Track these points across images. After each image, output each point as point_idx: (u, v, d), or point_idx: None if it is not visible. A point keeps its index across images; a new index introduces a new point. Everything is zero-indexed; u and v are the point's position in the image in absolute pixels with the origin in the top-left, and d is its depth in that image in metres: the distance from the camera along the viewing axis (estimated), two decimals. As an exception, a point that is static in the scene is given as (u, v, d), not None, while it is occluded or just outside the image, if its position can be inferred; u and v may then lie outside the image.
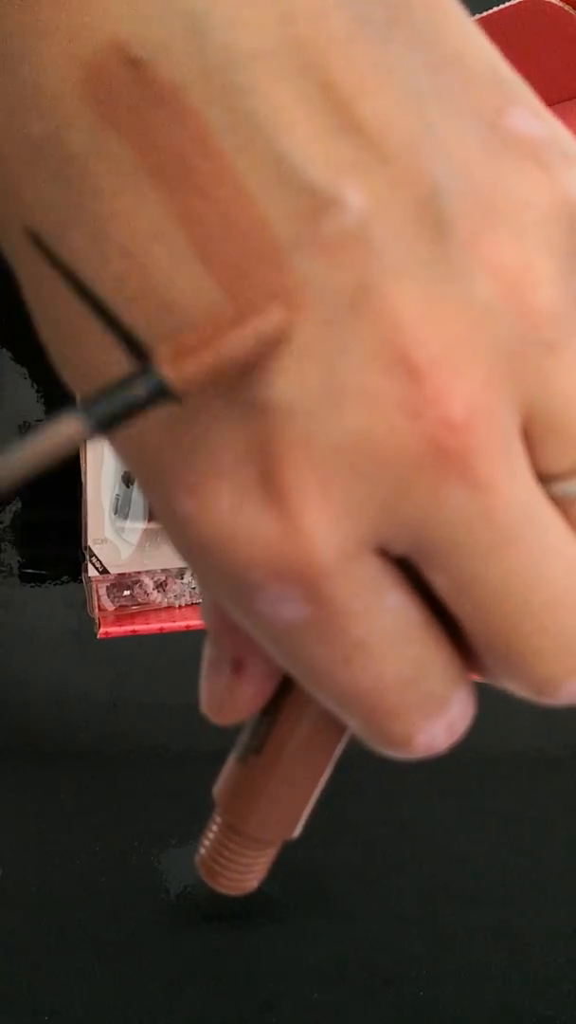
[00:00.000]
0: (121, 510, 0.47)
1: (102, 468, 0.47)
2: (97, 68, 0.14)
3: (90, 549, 0.47)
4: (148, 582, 0.49)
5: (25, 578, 0.49)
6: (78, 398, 0.16)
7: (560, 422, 0.15)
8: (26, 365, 0.48)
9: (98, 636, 0.48)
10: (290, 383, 0.14)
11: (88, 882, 0.49)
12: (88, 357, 0.15)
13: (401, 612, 0.16)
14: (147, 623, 0.49)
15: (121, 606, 0.49)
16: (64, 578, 0.50)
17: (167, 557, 0.49)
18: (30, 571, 0.49)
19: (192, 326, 0.14)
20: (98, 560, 0.47)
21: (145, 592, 0.49)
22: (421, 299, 0.14)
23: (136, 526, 0.47)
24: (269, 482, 0.15)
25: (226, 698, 0.20)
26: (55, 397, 0.48)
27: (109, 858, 0.49)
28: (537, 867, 0.53)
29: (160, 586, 0.49)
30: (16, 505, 0.49)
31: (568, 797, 0.55)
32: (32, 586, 0.50)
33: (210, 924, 0.49)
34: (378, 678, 0.16)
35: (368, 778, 0.55)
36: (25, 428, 0.48)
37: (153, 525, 0.48)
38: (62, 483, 0.48)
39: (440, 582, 0.16)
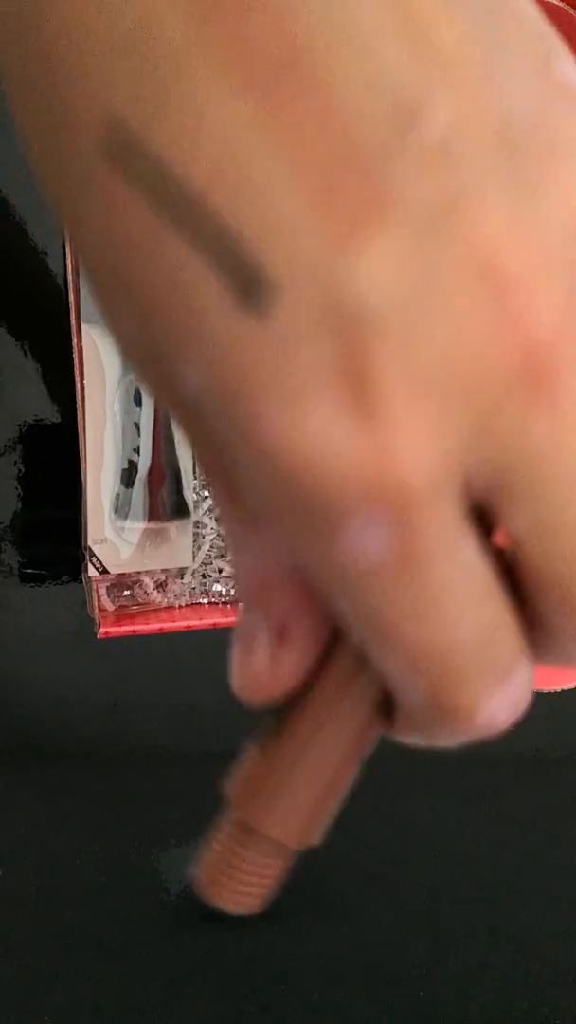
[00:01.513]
0: (121, 510, 0.47)
1: (102, 468, 0.47)
2: None
3: (90, 549, 0.47)
4: (148, 582, 0.49)
5: (25, 578, 0.49)
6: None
7: None
8: (29, 361, 0.48)
9: (98, 636, 0.48)
10: (385, 295, 0.14)
11: (87, 882, 0.49)
12: (169, 275, 0.15)
13: (478, 566, 0.16)
14: (147, 623, 0.48)
15: (121, 606, 0.49)
16: (64, 578, 0.50)
17: (167, 557, 0.49)
18: (30, 571, 0.49)
19: (285, 231, 0.14)
20: (98, 560, 0.47)
21: (145, 592, 0.49)
22: (507, 214, 0.14)
23: (136, 526, 0.47)
24: (361, 399, 0.14)
25: (265, 670, 0.19)
26: (55, 397, 0.48)
27: (108, 858, 0.49)
28: (537, 867, 0.53)
29: (160, 586, 0.49)
30: (16, 505, 0.49)
31: (568, 797, 0.55)
32: (32, 586, 0.50)
33: (209, 924, 0.49)
34: (451, 636, 0.16)
35: (368, 778, 0.54)
36: (25, 428, 0.48)
37: (153, 525, 0.48)
38: (62, 483, 0.48)
39: (516, 524, 0.16)
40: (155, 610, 0.49)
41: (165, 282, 0.15)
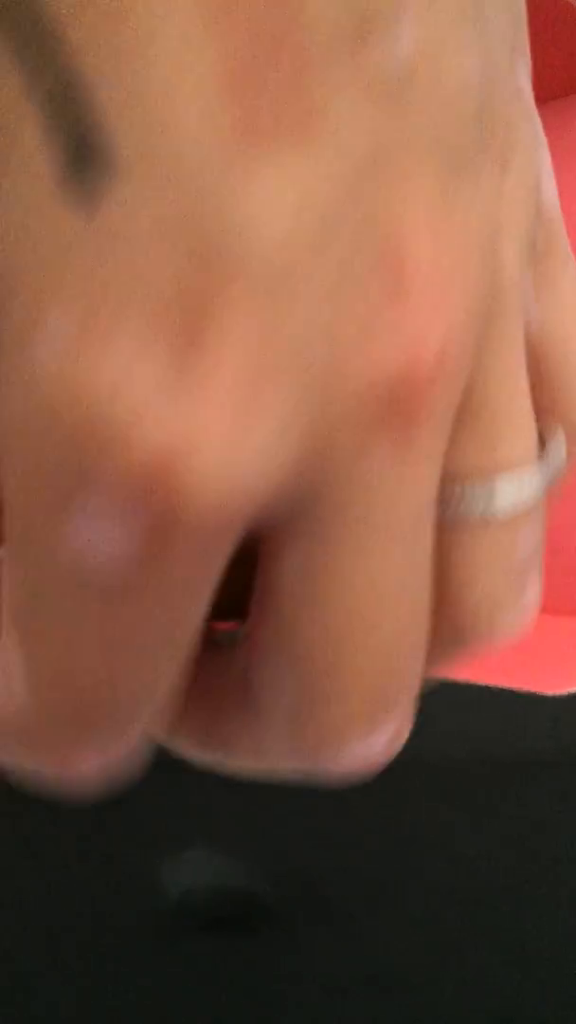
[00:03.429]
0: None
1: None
2: None
3: None
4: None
5: None
6: None
7: (496, 406, 0.13)
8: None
9: None
10: (270, 230, 0.11)
11: (84, 889, 0.49)
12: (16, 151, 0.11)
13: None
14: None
15: None
16: None
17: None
18: None
19: (166, 86, 0.10)
20: None
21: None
22: (441, 199, 0.12)
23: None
24: (188, 347, 0.11)
25: None
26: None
27: (105, 865, 0.49)
28: (541, 874, 0.53)
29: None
30: None
31: (570, 800, 0.54)
32: None
33: (209, 932, 0.49)
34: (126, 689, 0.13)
35: (368, 782, 0.54)
36: None
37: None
38: None
39: (290, 561, 0.12)
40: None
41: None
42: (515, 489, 0.14)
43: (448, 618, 0.14)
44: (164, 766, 0.51)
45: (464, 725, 0.53)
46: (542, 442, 0.14)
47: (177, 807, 0.50)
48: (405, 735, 0.14)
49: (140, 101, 0.10)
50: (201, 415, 0.11)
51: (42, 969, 0.47)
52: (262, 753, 0.14)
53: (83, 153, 0.10)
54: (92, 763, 0.13)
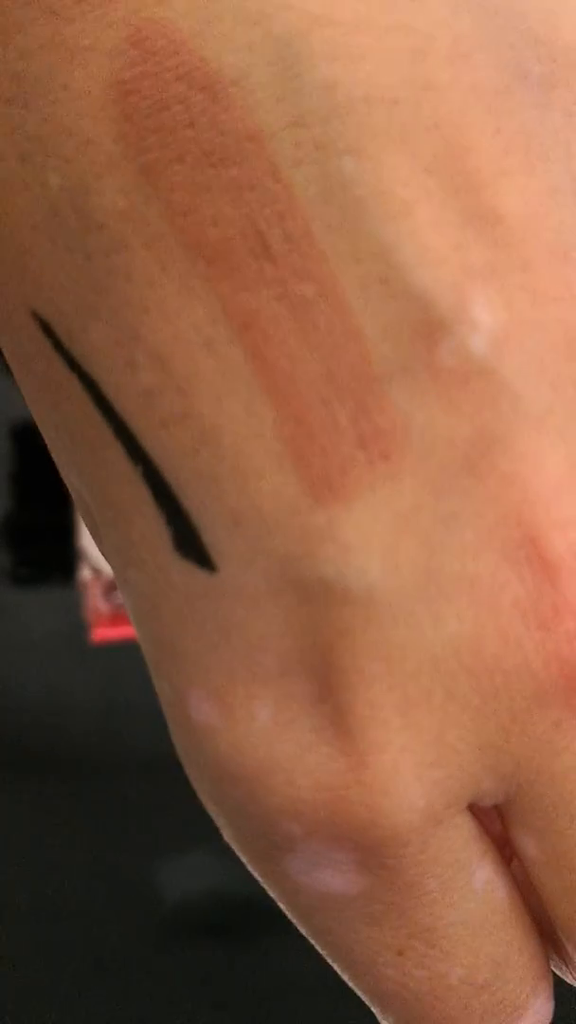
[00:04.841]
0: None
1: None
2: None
3: (84, 549, 0.46)
4: (144, 584, 0.48)
5: (16, 580, 0.49)
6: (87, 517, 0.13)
7: None
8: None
9: (92, 639, 0.47)
10: (375, 564, 0.11)
11: (81, 895, 0.48)
12: (107, 485, 0.12)
13: (487, 894, 0.12)
14: (143, 626, 0.48)
15: (116, 608, 0.48)
16: (57, 579, 0.49)
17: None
18: (21, 572, 0.49)
19: (238, 469, 0.11)
20: (92, 560, 0.46)
21: (140, 594, 0.49)
22: (564, 465, 0.11)
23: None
24: (329, 697, 0.11)
25: None
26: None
27: (102, 870, 0.49)
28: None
29: (156, 588, 0.49)
30: (7, 505, 0.48)
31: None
32: (23, 588, 0.49)
33: (207, 937, 0.48)
34: (440, 980, 0.13)
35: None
36: (18, 427, 0.48)
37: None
38: (55, 482, 0.48)
39: (531, 849, 0.12)
40: (151, 613, 0.49)
41: (105, 492, 0.12)
42: None
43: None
44: (162, 768, 0.50)
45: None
46: None
47: (174, 812, 0.50)
48: None
49: (219, 494, 0.11)
50: (365, 761, 0.11)
51: (41, 975, 0.47)
52: None
53: (187, 531, 0.11)
54: None
